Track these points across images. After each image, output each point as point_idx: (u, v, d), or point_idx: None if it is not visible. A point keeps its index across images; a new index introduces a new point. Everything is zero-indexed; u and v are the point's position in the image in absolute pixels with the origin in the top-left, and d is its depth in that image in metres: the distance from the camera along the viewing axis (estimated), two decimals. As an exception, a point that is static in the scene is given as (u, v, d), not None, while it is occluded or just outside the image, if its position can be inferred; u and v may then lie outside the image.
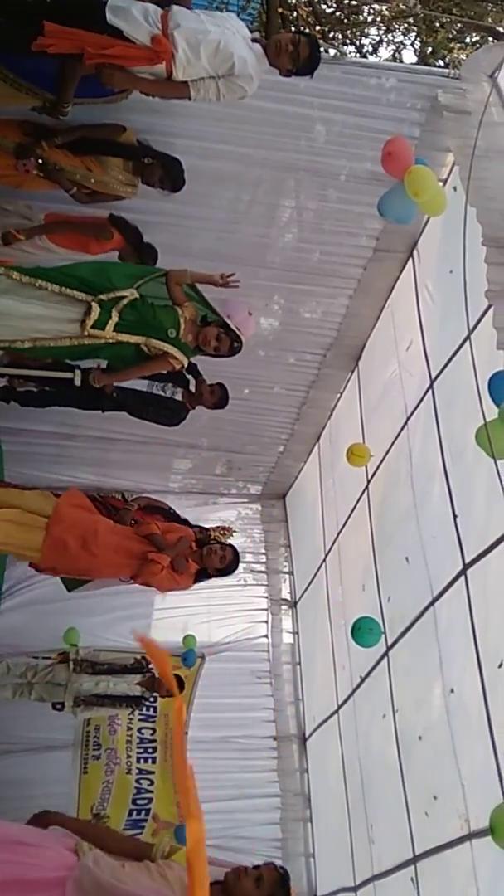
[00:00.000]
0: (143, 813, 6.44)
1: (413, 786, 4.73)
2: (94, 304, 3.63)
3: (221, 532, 5.21)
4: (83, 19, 3.65)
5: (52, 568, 4.42)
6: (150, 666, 5.41)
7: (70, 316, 3.67)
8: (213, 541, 4.96)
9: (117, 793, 6.46)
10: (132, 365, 4.06)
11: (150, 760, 6.66)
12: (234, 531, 5.42)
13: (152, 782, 6.59)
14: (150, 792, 6.54)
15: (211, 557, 4.71)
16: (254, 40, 3.80)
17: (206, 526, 5.37)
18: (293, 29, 11.76)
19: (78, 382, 4.98)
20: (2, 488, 4.45)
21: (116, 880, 2.42)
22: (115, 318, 3.70)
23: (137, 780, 6.55)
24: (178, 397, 5.44)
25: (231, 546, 4.88)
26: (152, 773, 6.62)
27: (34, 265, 4.03)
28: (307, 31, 12.09)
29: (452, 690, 4.30)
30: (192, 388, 5.09)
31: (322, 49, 3.99)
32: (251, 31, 3.93)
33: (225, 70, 3.72)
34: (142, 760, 6.63)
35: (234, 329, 4.04)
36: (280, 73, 3.85)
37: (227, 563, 4.76)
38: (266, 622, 7.69)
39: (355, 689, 5.83)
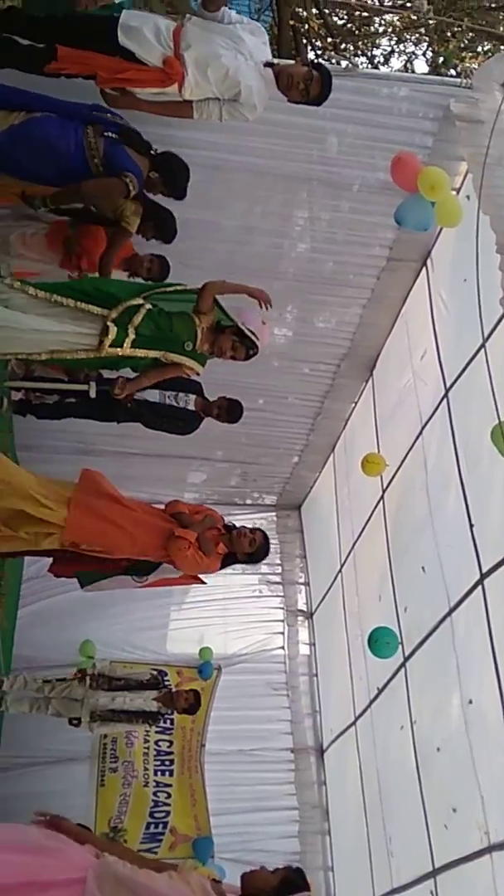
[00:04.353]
0: (161, 826, 6.42)
1: (432, 798, 4.69)
2: (110, 324, 3.65)
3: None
4: (95, 41, 3.69)
5: (74, 543, 4.17)
6: (167, 680, 5.39)
7: (86, 330, 3.69)
8: (241, 527, 4.72)
9: (135, 805, 6.45)
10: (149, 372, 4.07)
11: (167, 773, 6.64)
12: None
13: (170, 795, 6.57)
14: (168, 805, 6.52)
15: (240, 541, 4.48)
16: (267, 65, 3.82)
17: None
18: (304, 42, 11.82)
19: (93, 394, 5.03)
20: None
21: (135, 875, 2.44)
22: (132, 335, 3.71)
23: (155, 793, 6.53)
24: (191, 406, 5.47)
25: (260, 530, 4.62)
26: (170, 785, 6.60)
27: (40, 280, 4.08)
28: (319, 43, 12.15)
29: (471, 701, 4.26)
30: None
31: (333, 61, 4.01)
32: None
33: (231, 95, 3.77)
34: (159, 773, 6.62)
35: (249, 334, 4.02)
36: (288, 100, 3.89)
37: (258, 546, 4.52)
38: (282, 633, 7.67)
39: (372, 701, 5.79)
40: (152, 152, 4.16)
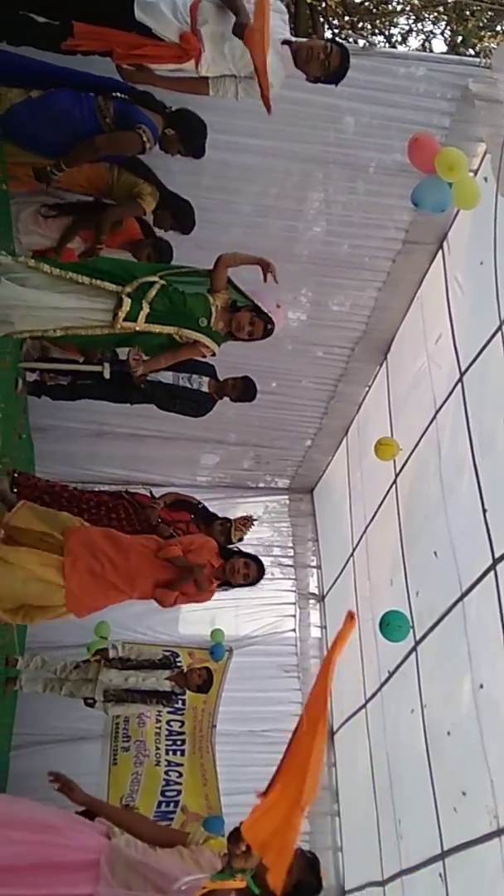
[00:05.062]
0: (172, 805, 6.48)
1: (441, 781, 4.70)
2: (124, 297, 3.63)
3: (243, 522, 5.16)
4: (112, 16, 3.66)
5: (76, 598, 4.10)
6: (179, 661, 5.41)
7: (101, 306, 3.68)
8: (236, 552, 4.79)
9: (146, 784, 6.51)
10: (164, 352, 4.05)
11: (178, 753, 6.70)
12: (255, 520, 5.36)
13: (181, 774, 6.63)
14: (179, 784, 6.59)
15: (234, 575, 4.58)
16: (284, 42, 3.78)
17: (230, 517, 5.35)
18: (321, 20, 11.70)
19: (107, 375, 5.03)
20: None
21: (146, 858, 2.45)
22: (146, 309, 3.69)
23: (166, 772, 6.59)
24: (205, 388, 5.47)
25: (255, 559, 4.74)
26: (181, 765, 6.66)
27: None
28: (336, 21, 12.02)
29: (482, 686, 4.26)
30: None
31: (351, 40, 3.98)
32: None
33: (247, 73, 3.72)
34: (171, 752, 6.67)
35: (266, 312, 4.00)
36: (307, 78, 3.85)
37: (251, 578, 4.65)
38: (294, 616, 7.69)
39: (383, 684, 5.81)
40: (167, 111, 4.17)
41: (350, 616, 2.18)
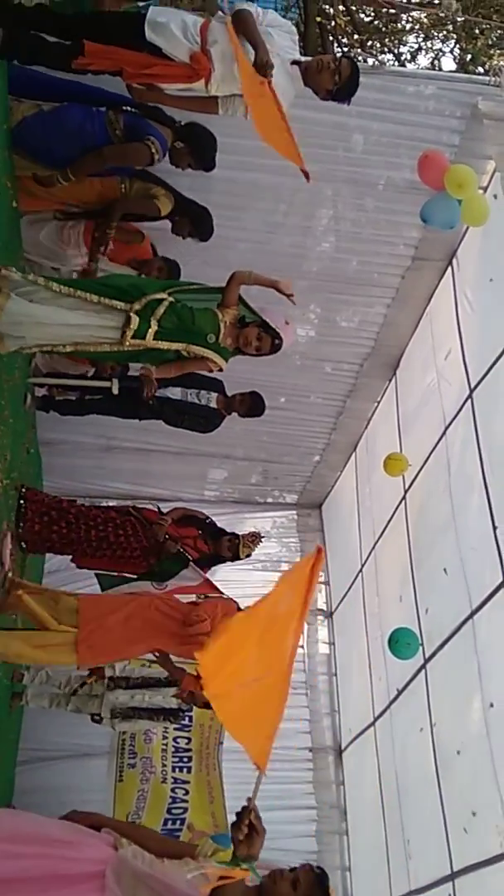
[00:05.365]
0: (178, 822, 6.43)
1: (451, 801, 4.66)
2: (132, 315, 3.65)
3: (251, 539, 5.16)
4: (123, 36, 3.70)
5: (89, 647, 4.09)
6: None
7: (110, 324, 3.69)
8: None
9: (152, 801, 6.46)
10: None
11: (185, 770, 6.65)
12: (263, 536, 5.37)
13: (187, 791, 6.58)
14: (185, 801, 6.53)
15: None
16: (294, 63, 3.80)
17: (238, 533, 5.36)
18: (331, 39, 11.78)
19: (115, 391, 5.04)
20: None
21: (153, 870, 2.43)
22: (154, 326, 3.69)
23: (173, 790, 6.54)
24: (213, 404, 5.47)
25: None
26: (187, 782, 6.61)
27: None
28: (345, 40, 12.11)
29: (492, 705, 4.23)
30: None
31: (360, 58, 4.01)
32: None
33: None
34: (177, 770, 6.63)
35: (274, 328, 4.00)
36: (318, 95, 3.86)
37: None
38: (302, 632, 7.65)
39: (392, 702, 5.77)
40: (177, 124, 4.20)
41: (318, 550, 2.63)
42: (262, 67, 3.55)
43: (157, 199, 4.41)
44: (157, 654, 4.23)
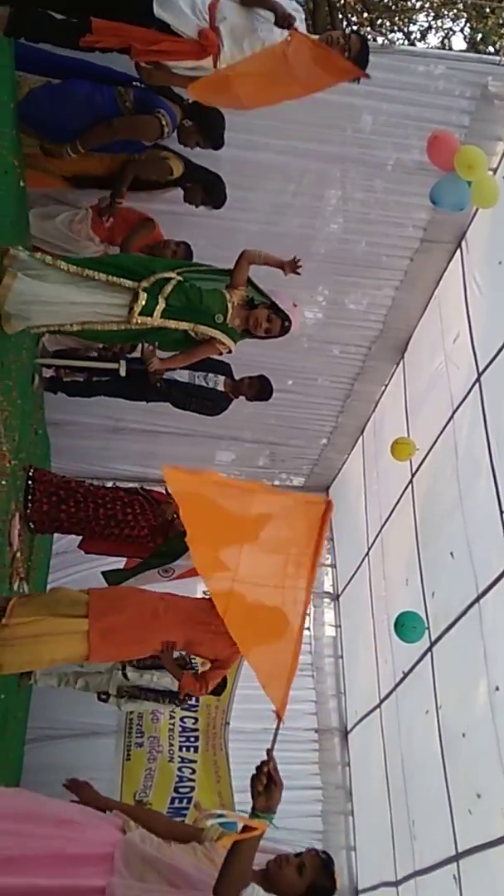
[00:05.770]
0: (185, 801, 6.50)
1: (456, 783, 4.69)
2: (140, 291, 3.63)
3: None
4: (131, 13, 3.66)
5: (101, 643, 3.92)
6: (194, 662, 5.40)
7: (117, 301, 3.67)
8: None
9: (159, 780, 6.53)
10: (180, 348, 4.03)
11: (192, 749, 6.71)
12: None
13: (194, 771, 6.64)
14: (192, 780, 6.60)
15: None
16: None
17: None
18: (340, 17, 11.66)
19: (123, 373, 5.04)
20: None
21: (160, 854, 2.45)
22: (161, 304, 3.68)
23: (179, 769, 6.61)
24: (221, 387, 5.46)
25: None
26: (194, 761, 6.67)
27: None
28: (355, 18, 11.98)
29: (497, 688, 4.24)
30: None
31: (370, 37, 3.96)
32: None
33: None
34: (184, 749, 6.69)
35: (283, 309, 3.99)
36: None
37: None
38: (308, 614, 7.68)
39: (398, 684, 5.79)
40: (185, 102, 4.18)
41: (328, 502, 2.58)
42: (284, 20, 3.55)
43: (171, 162, 4.37)
44: (160, 651, 4.18)
